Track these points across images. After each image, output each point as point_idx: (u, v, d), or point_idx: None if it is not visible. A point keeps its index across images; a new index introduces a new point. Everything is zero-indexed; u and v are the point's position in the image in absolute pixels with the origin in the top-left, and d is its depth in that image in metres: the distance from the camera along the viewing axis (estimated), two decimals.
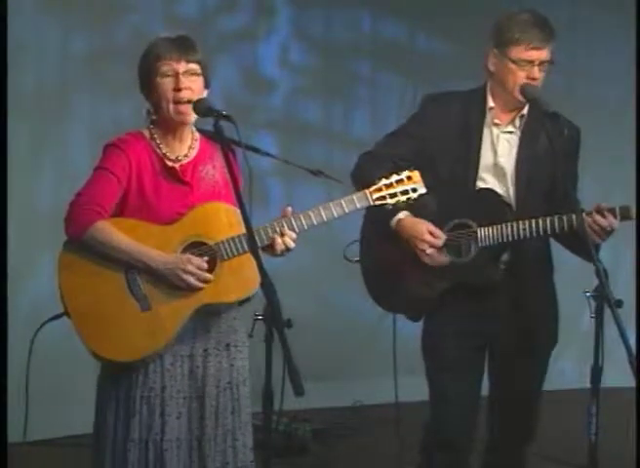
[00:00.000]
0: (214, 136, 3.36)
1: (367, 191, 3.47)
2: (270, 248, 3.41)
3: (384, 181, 3.48)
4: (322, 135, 7.05)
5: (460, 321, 3.90)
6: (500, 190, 3.91)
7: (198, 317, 3.40)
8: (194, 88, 3.39)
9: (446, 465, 4.03)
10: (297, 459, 5.62)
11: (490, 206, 3.87)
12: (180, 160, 3.48)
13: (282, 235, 3.40)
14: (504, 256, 3.90)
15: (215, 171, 3.50)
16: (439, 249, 3.85)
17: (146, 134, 3.48)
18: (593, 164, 5.14)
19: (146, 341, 3.36)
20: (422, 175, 3.52)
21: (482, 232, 3.85)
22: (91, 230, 3.34)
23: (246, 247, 3.34)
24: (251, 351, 3.55)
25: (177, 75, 3.39)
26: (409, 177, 3.51)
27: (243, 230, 3.23)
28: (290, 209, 3.44)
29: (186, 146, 3.50)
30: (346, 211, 3.45)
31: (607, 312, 3.58)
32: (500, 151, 3.92)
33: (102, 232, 3.35)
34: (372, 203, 3.47)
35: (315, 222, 3.43)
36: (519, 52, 3.80)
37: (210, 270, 3.37)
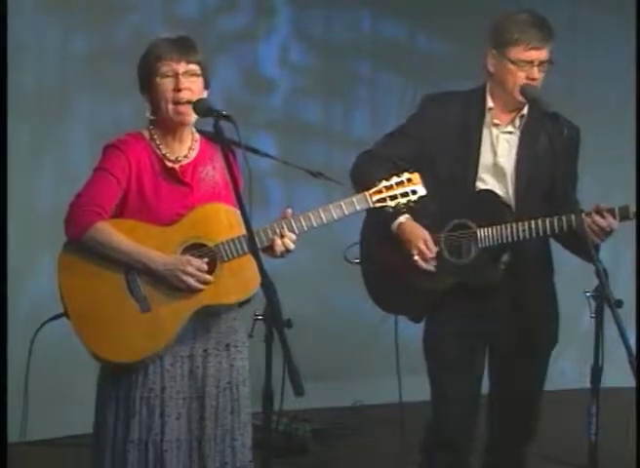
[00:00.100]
0: (214, 137, 3.35)
1: (367, 193, 3.47)
2: (270, 249, 3.40)
3: (384, 183, 3.48)
4: (322, 135, 7.04)
5: (461, 321, 3.90)
6: (499, 191, 3.91)
7: (198, 318, 3.40)
8: (194, 89, 3.39)
9: (446, 465, 4.04)
10: (297, 459, 5.62)
11: (489, 206, 3.87)
12: (179, 161, 3.48)
13: (282, 236, 3.40)
14: (504, 257, 3.90)
15: (215, 172, 3.50)
16: (427, 260, 3.86)
17: (146, 134, 3.48)
18: (593, 164, 5.15)
19: (146, 342, 3.35)
20: (422, 176, 3.52)
21: (482, 233, 3.85)
22: (91, 231, 3.34)
23: (246, 248, 3.34)
24: (251, 351, 3.55)
25: (176, 76, 3.38)
26: (409, 180, 3.50)
27: (243, 231, 3.24)
28: (290, 210, 3.44)
29: (186, 147, 3.50)
30: (346, 213, 3.45)
31: (607, 312, 3.58)
32: (499, 151, 3.92)
33: (102, 233, 3.35)
34: (371, 205, 3.47)
35: (315, 224, 3.43)
36: (518, 52, 3.80)
37: (210, 271, 3.36)
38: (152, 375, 3.40)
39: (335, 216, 3.44)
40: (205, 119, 3.34)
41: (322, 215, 3.43)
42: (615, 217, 3.75)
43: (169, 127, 3.45)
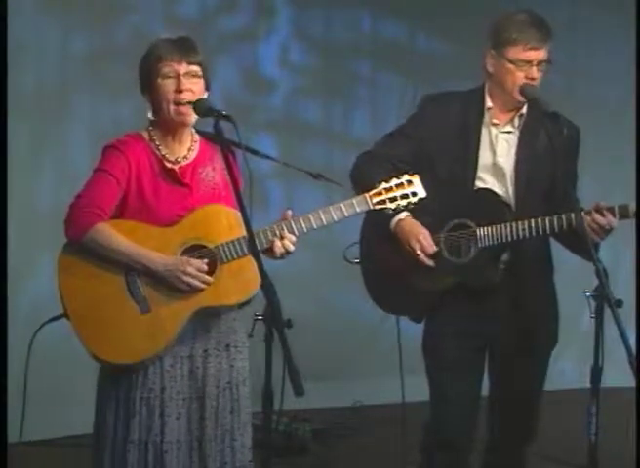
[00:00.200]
0: (213, 138, 3.36)
1: (367, 195, 3.47)
2: (270, 251, 3.40)
3: (384, 185, 3.48)
4: (322, 135, 7.04)
5: (461, 321, 3.90)
6: (499, 190, 3.91)
7: (198, 318, 3.40)
8: (195, 90, 3.39)
9: (446, 465, 4.03)
10: (297, 459, 5.62)
11: (489, 206, 3.87)
12: (179, 162, 3.47)
13: (282, 238, 3.40)
14: (504, 257, 3.89)
15: (214, 173, 3.50)
16: (429, 256, 3.86)
17: (145, 135, 3.48)
18: (593, 164, 5.16)
19: (146, 343, 3.35)
20: (421, 176, 3.53)
21: (481, 232, 3.85)
22: (91, 232, 3.34)
23: (246, 250, 3.33)
24: (251, 351, 3.55)
25: (178, 77, 3.38)
26: (409, 182, 3.50)
27: (243, 233, 3.24)
28: (290, 212, 3.43)
29: (186, 148, 3.50)
30: (346, 214, 3.45)
31: (607, 312, 3.58)
32: (498, 151, 3.92)
33: (102, 234, 3.35)
34: (371, 207, 3.47)
35: (315, 226, 3.43)
36: (517, 52, 3.80)
37: (210, 273, 3.36)
38: (152, 376, 3.40)
39: (335, 218, 3.44)
40: (205, 119, 3.34)
41: (322, 217, 3.43)
42: (614, 216, 3.75)
43: (169, 127, 3.45)
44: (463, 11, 6.72)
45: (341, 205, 3.44)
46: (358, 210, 3.47)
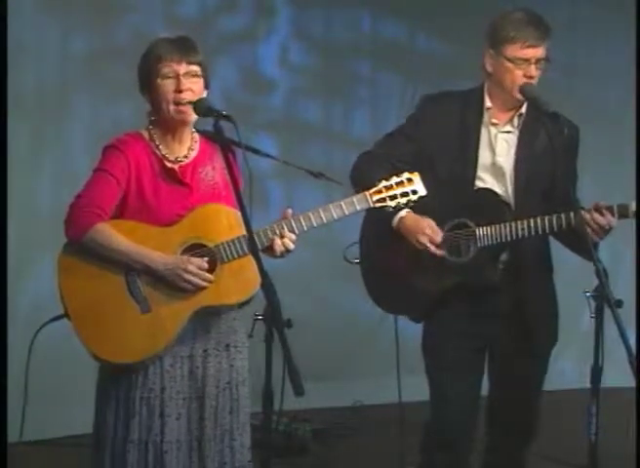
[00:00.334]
0: (213, 137, 3.36)
1: (367, 193, 3.47)
2: (270, 249, 3.41)
3: (384, 183, 3.48)
4: (322, 135, 7.04)
5: (460, 321, 3.90)
6: (498, 190, 3.91)
7: (198, 318, 3.40)
8: (195, 89, 3.39)
9: (446, 465, 4.03)
10: (297, 459, 5.62)
11: (488, 205, 3.87)
12: (179, 161, 3.48)
13: (282, 237, 3.40)
14: (503, 256, 3.89)
15: (214, 172, 3.50)
16: (438, 246, 3.85)
17: (145, 134, 3.48)
18: (593, 164, 5.16)
19: (146, 343, 3.36)
20: (421, 176, 3.53)
21: (481, 232, 3.85)
22: (91, 232, 3.34)
23: (246, 249, 3.34)
24: (251, 351, 3.55)
25: (177, 77, 3.39)
26: (409, 180, 3.51)
27: (243, 232, 3.24)
28: (290, 210, 3.44)
29: (186, 147, 3.50)
30: (346, 213, 3.45)
31: (607, 312, 3.58)
32: (498, 151, 3.92)
33: (102, 234, 3.35)
34: (372, 205, 3.47)
35: (315, 224, 3.43)
36: (515, 50, 3.80)
37: (210, 272, 3.36)
38: (152, 376, 3.40)
39: (335, 216, 3.44)
40: (205, 119, 3.34)
41: (322, 215, 3.43)
42: (613, 215, 3.75)
43: (169, 127, 3.45)
44: (463, 11, 6.72)
45: (342, 203, 3.44)
46: (358, 208, 3.47)
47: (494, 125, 3.92)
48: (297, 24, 6.97)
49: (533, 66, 3.80)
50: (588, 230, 3.69)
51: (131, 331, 3.35)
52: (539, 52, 3.81)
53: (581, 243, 3.57)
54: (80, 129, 6.00)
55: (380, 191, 3.48)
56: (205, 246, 3.39)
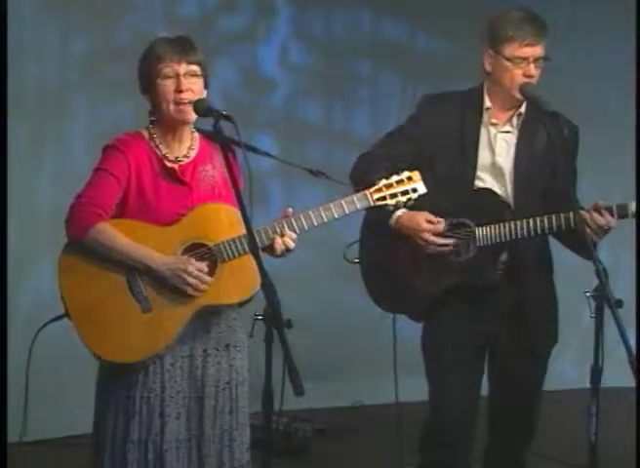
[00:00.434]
0: (213, 137, 3.35)
1: (367, 192, 3.47)
2: (270, 248, 3.41)
3: (385, 182, 3.48)
4: (322, 135, 7.04)
5: (460, 321, 3.90)
6: (498, 190, 3.91)
7: (198, 318, 3.40)
8: (195, 89, 3.40)
9: (446, 465, 4.03)
10: (297, 459, 5.62)
11: (488, 205, 3.87)
12: (179, 160, 3.48)
13: (282, 236, 3.40)
14: (503, 256, 3.89)
15: (214, 171, 3.50)
16: (441, 235, 3.84)
17: (145, 134, 3.48)
18: (593, 164, 5.15)
19: (147, 343, 3.36)
20: (421, 175, 3.53)
21: (480, 232, 3.85)
22: (92, 232, 3.34)
23: (246, 248, 3.34)
24: (251, 351, 3.55)
25: (177, 77, 3.39)
26: (409, 178, 3.51)
27: (243, 231, 3.23)
28: (290, 209, 3.44)
29: (186, 147, 3.50)
30: (347, 211, 3.45)
31: (607, 312, 3.58)
32: (497, 151, 3.92)
33: (103, 234, 3.35)
34: (372, 203, 3.47)
35: (315, 223, 3.43)
36: (513, 49, 3.80)
37: (210, 271, 3.37)
38: (152, 375, 3.40)
39: (335, 215, 3.44)
40: (205, 119, 3.34)
41: (323, 214, 3.43)
42: (613, 215, 3.75)
43: (169, 126, 3.45)
44: (463, 11, 6.71)
45: (342, 201, 3.45)
46: (359, 206, 3.47)
47: (493, 125, 3.92)
48: (297, 24, 6.96)
49: (532, 65, 3.80)
50: (588, 230, 3.69)
51: (131, 330, 3.35)
52: (537, 50, 3.81)
53: (581, 243, 3.57)
54: (80, 129, 6.00)
55: (380, 189, 3.48)
56: (205, 245, 3.39)
